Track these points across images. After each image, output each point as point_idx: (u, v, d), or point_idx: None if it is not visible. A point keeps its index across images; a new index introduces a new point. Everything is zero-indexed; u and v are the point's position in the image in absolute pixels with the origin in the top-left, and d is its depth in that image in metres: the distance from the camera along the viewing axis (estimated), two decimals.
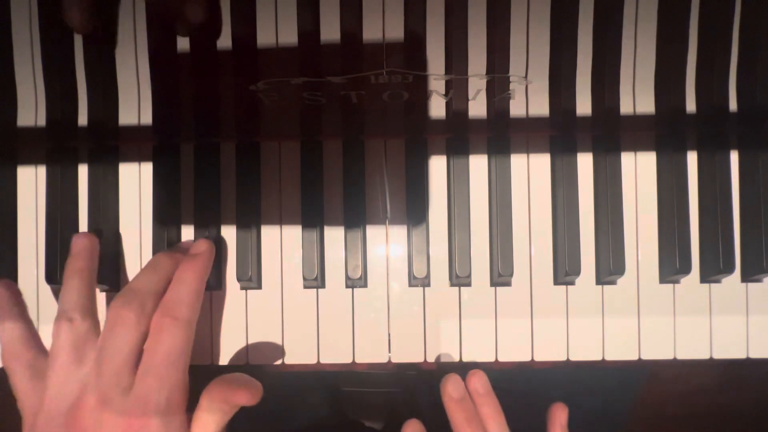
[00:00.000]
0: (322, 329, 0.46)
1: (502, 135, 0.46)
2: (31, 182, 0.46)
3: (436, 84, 0.42)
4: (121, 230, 0.46)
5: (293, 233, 0.46)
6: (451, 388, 0.42)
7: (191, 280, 0.40)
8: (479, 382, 0.43)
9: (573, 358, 0.46)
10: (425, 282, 0.46)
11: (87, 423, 0.36)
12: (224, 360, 0.45)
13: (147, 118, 0.44)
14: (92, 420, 0.36)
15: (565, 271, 0.44)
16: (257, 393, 0.38)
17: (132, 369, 0.37)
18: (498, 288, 0.46)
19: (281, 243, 0.46)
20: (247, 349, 0.45)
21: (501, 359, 0.46)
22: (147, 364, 0.37)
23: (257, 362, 0.45)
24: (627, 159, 0.46)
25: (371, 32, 0.41)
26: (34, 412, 0.38)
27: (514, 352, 0.46)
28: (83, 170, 0.46)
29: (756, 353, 0.46)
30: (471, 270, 0.45)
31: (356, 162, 0.46)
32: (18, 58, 0.43)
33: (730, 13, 0.42)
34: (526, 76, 0.43)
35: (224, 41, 0.41)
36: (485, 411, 0.43)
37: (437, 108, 0.44)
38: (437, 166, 0.46)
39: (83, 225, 0.46)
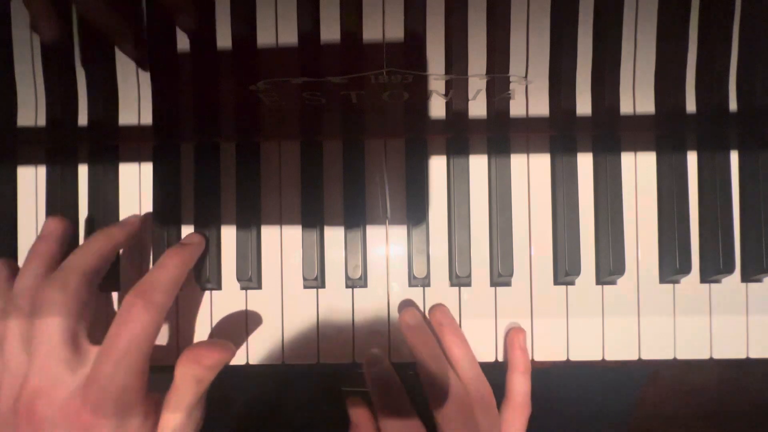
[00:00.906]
0: (322, 329, 0.46)
1: (502, 135, 0.46)
2: (31, 182, 0.46)
3: (436, 84, 0.42)
4: None
5: (293, 233, 0.46)
6: (408, 316, 0.43)
7: (172, 267, 0.39)
8: (442, 315, 0.44)
9: (573, 358, 0.46)
10: (425, 282, 0.46)
11: (38, 410, 0.34)
12: None
13: (147, 118, 0.44)
14: (40, 405, 0.34)
15: (565, 271, 0.44)
16: (228, 350, 0.37)
17: (72, 346, 0.36)
18: (498, 288, 0.46)
19: (281, 243, 0.46)
20: (247, 349, 0.45)
21: (501, 359, 0.46)
22: (108, 344, 0.35)
23: (257, 362, 0.45)
24: (627, 159, 0.46)
25: (371, 32, 0.41)
26: None
27: None
28: (83, 170, 0.46)
29: (756, 353, 0.46)
30: (471, 270, 0.45)
31: (356, 162, 0.46)
32: (18, 58, 0.43)
33: (730, 13, 0.42)
34: (526, 76, 0.43)
35: (224, 41, 0.41)
36: (448, 338, 0.43)
37: (437, 108, 0.44)
38: (437, 166, 0.46)
39: (83, 225, 0.46)
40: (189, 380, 0.37)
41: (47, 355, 0.35)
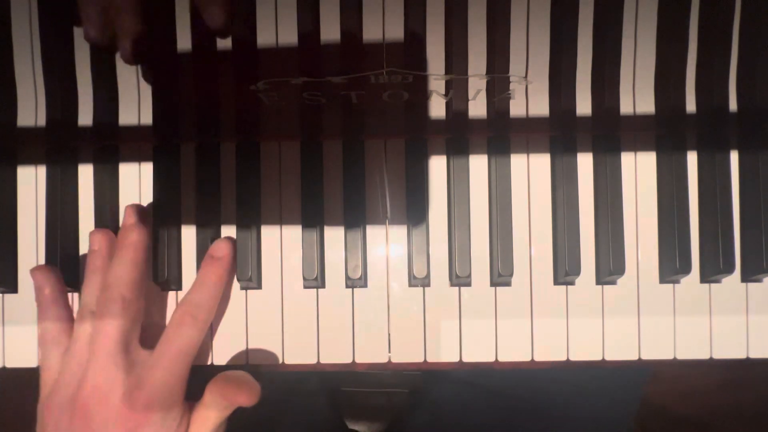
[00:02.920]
0: (322, 329, 0.46)
1: (502, 135, 0.46)
2: (31, 182, 0.46)
3: (436, 84, 0.42)
4: None
5: (293, 233, 0.46)
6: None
7: (213, 286, 0.43)
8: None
9: (573, 358, 0.46)
10: (425, 282, 0.46)
11: (92, 407, 0.39)
12: (224, 360, 0.45)
13: (147, 118, 0.44)
14: (94, 402, 0.39)
15: (565, 271, 0.44)
16: (255, 395, 0.40)
17: (125, 352, 0.40)
18: (498, 288, 0.46)
19: (281, 243, 0.46)
20: (247, 349, 0.45)
21: (501, 359, 0.46)
22: (159, 354, 0.41)
23: (257, 362, 0.45)
24: (627, 159, 0.46)
25: (371, 32, 0.41)
26: (50, 389, 0.41)
27: (514, 352, 0.46)
28: (83, 170, 0.46)
29: (756, 353, 0.46)
30: (471, 270, 0.45)
31: (356, 162, 0.46)
32: (18, 58, 0.43)
33: (730, 13, 0.42)
34: (526, 76, 0.43)
35: (224, 41, 0.41)
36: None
37: (437, 108, 0.44)
38: (437, 166, 0.46)
39: (83, 225, 0.46)
40: (216, 408, 0.41)
41: (105, 359, 0.40)
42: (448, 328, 0.46)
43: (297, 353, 0.45)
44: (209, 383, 0.40)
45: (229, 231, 0.46)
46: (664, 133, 0.46)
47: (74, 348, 0.41)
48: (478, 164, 0.46)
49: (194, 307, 0.42)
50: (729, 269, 0.45)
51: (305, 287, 0.46)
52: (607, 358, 0.46)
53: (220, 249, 0.44)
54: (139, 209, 0.44)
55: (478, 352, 0.45)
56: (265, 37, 0.41)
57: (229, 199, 0.46)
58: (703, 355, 0.46)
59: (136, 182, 0.46)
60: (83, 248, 0.46)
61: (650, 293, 0.46)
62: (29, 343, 0.46)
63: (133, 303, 0.41)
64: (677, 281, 0.46)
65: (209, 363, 0.45)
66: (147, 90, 0.44)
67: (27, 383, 0.44)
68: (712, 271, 0.45)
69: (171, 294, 0.46)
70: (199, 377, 0.42)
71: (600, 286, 0.46)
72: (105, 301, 0.41)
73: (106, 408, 0.39)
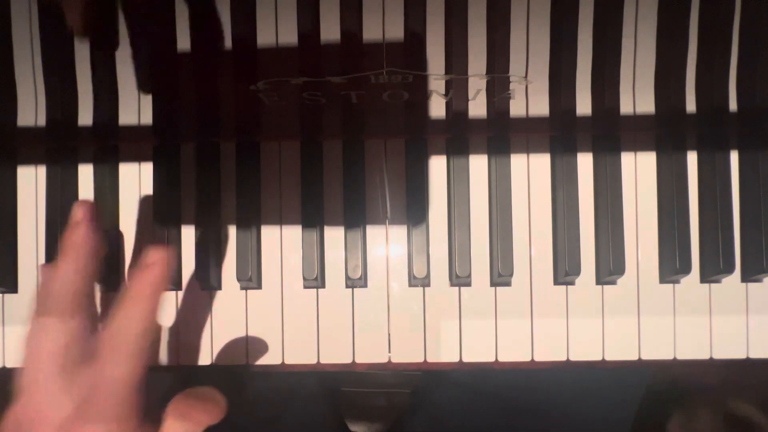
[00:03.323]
0: (322, 329, 0.46)
1: (502, 135, 0.46)
2: (31, 182, 0.46)
3: (436, 84, 0.42)
4: (121, 230, 0.46)
5: (293, 233, 0.46)
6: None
7: (137, 317, 0.36)
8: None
9: (573, 358, 0.46)
10: (425, 282, 0.46)
11: (23, 428, 0.35)
12: (224, 360, 0.45)
13: (147, 118, 0.44)
14: (28, 424, 0.35)
15: (565, 271, 0.44)
16: (220, 411, 0.37)
17: (68, 369, 0.36)
18: (498, 288, 0.46)
19: (281, 243, 0.46)
20: (247, 350, 0.45)
21: (501, 359, 0.46)
22: (93, 388, 0.35)
23: (257, 362, 0.45)
24: (627, 159, 0.46)
25: (371, 32, 0.41)
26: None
27: (514, 352, 0.46)
28: (83, 170, 0.46)
29: (756, 353, 0.46)
30: (471, 270, 0.45)
31: (356, 162, 0.46)
32: (18, 58, 0.43)
33: (730, 13, 0.42)
34: (526, 76, 0.43)
35: (224, 41, 0.41)
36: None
37: (437, 108, 0.44)
38: (437, 166, 0.46)
39: None
40: (180, 430, 0.36)
41: (43, 379, 0.36)
42: (448, 328, 0.46)
43: (297, 353, 0.45)
44: (167, 408, 0.36)
45: (229, 231, 0.46)
46: (664, 133, 0.46)
47: (24, 362, 0.37)
48: (478, 164, 0.46)
49: (119, 341, 0.36)
50: (729, 269, 0.45)
51: (305, 287, 0.46)
52: (607, 358, 0.46)
53: (151, 257, 0.37)
54: (86, 206, 0.39)
55: (478, 352, 0.45)
56: (265, 37, 0.41)
57: (229, 199, 0.46)
58: (703, 355, 0.46)
59: (136, 182, 0.46)
60: None
61: (650, 293, 0.46)
62: None
63: (71, 315, 0.37)
64: (677, 281, 0.46)
65: (209, 363, 0.46)
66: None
67: None
68: (712, 271, 0.45)
69: (171, 294, 0.46)
70: (198, 377, 0.42)
71: (600, 286, 0.46)
72: (41, 314, 0.37)
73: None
